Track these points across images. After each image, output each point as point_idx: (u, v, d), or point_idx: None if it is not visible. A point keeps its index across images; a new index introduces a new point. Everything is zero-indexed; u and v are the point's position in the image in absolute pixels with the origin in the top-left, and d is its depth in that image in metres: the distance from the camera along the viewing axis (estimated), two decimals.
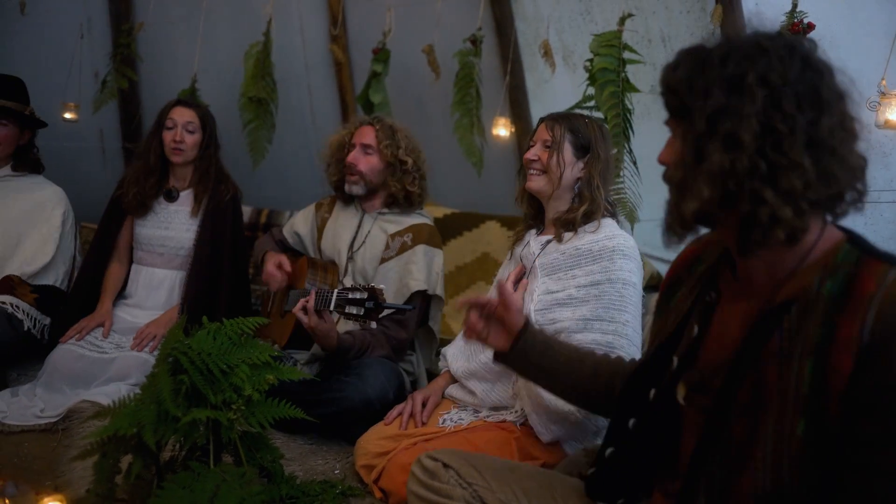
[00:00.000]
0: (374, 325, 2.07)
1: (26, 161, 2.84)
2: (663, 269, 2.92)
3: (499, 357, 1.50)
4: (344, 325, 2.41)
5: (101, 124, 4.13)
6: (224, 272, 2.75)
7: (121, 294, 2.83)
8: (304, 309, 2.15)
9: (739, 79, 0.98)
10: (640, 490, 1.25)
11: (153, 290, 2.81)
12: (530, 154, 2.03)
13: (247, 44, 3.75)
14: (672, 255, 3.26)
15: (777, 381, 0.98)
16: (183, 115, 2.77)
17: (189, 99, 2.88)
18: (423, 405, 2.05)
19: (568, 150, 1.99)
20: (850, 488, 0.91)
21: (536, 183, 2.02)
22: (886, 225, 2.47)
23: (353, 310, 2.04)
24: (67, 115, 3.64)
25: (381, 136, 2.56)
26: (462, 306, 1.50)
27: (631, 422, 1.24)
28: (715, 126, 0.99)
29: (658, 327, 1.33)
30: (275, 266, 2.55)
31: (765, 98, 0.96)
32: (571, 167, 1.99)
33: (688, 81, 1.02)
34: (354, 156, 2.57)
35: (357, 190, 2.58)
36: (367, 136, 2.58)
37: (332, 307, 2.10)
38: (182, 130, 2.74)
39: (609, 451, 1.27)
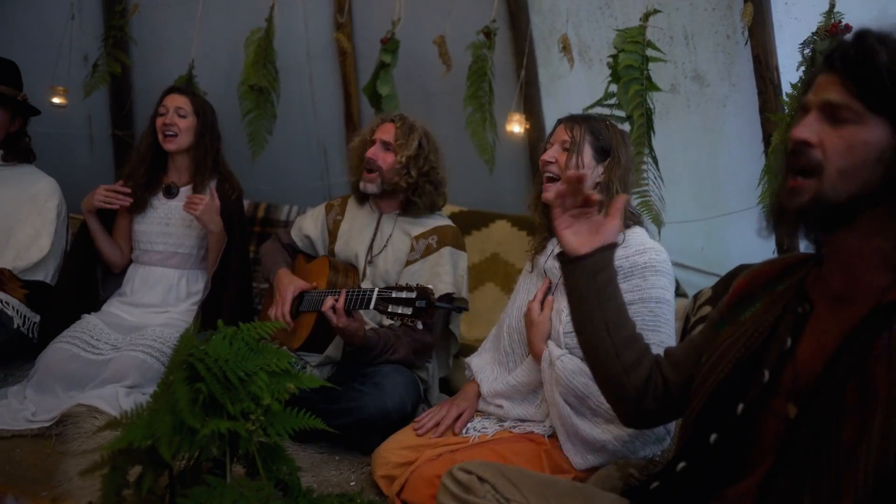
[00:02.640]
0: (420, 325, 2.04)
1: (17, 150, 2.78)
2: (678, 274, 2.89)
3: (565, 258, 1.42)
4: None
5: (90, 110, 4.06)
6: (231, 272, 2.72)
7: (117, 292, 2.78)
8: (333, 308, 2.13)
9: None
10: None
11: (151, 288, 2.77)
12: (547, 156, 1.99)
13: (247, 29, 3.68)
14: (686, 259, 3.24)
15: (885, 378, 0.97)
16: (174, 101, 2.77)
17: (184, 86, 2.86)
18: (458, 418, 2.02)
19: (588, 153, 1.96)
20: None
21: (553, 194, 1.97)
22: None
23: (400, 309, 2.01)
24: (56, 100, 3.56)
25: (399, 133, 2.54)
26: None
27: (713, 437, 1.21)
28: None
29: (723, 339, 1.29)
30: (280, 315, 2.40)
31: None
32: (591, 171, 1.95)
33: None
34: (374, 151, 2.55)
35: (371, 188, 2.55)
36: (388, 132, 2.56)
37: (371, 306, 2.07)
38: (173, 114, 2.73)
39: (681, 465, 1.25)
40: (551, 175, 1.99)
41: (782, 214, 1.09)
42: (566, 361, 1.83)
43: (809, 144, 1.05)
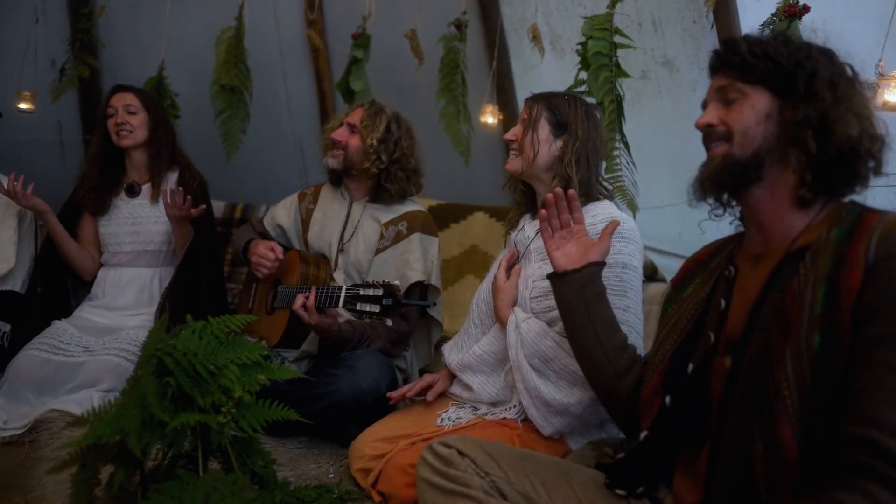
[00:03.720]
0: (389, 322, 2.07)
1: None
2: (657, 260, 2.93)
3: (556, 276, 1.62)
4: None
5: (60, 115, 4.01)
6: (203, 266, 2.71)
7: (88, 296, 2.76)
8: (304, 306, 2.16)
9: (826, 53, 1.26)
10: (663, 477, 1.33)
11: (122, 290, 2.76)
12: (509, 134, 2.07)
13: (217, 28, 3.67)
14: (664, 244, 3.27)
15: (797, 316, 1.11)
16: (122, 99, 2.76)
17: (126, 84, 2.86)
18: (429, 387, 2.07)
19: (544, 128, 2.00)
20: (863, 386, 1.02)
21: (512, 164, 2.05)
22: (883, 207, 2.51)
23: (367, 307, 2.03)
24: (23, 106, 3.53)
25: (365, 116, 2.57)
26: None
27: (667, 399, 1.32)
28: (836, 78, 1.22)
29: (670, 316, 1.44)
30: (267, 248, 2.51)
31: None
32: (549, 146, 2.00)
33: (780, 49, 1.25)
34: (339, 131, 2.59)
35: (333, 163, 2.60)
36: (356, 116, 2.61)
37: (340, 305, 2.10)
38: (123, 112, 2.73)
39: (643, 434, 1.35)
40: (514, 153, 2.06)
41: (702, 181, 1.30)
42: (531, 324, 1.87)
43: (713, 125, 1.29)
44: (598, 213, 1.96)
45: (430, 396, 2.06)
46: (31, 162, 3.82)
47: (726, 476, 1.16)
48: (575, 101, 2.05)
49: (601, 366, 1.53)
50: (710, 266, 1.43)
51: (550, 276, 1.62)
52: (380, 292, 2.03)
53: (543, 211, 1.68)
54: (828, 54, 1.25)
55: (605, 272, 1.82)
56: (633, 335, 1.84)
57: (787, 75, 1.23)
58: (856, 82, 1.24)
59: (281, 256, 2.50)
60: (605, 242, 1.63)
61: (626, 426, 1.57)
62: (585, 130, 1.99)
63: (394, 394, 2.11)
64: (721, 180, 1.27)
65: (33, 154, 3.94)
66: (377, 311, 2.03)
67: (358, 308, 2.05)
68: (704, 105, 1.35)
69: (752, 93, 1.26)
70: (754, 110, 1.25)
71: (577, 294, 1.57)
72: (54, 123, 4.07)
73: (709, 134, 1.30)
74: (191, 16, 3.82)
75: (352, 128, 2.59)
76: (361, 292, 2.05)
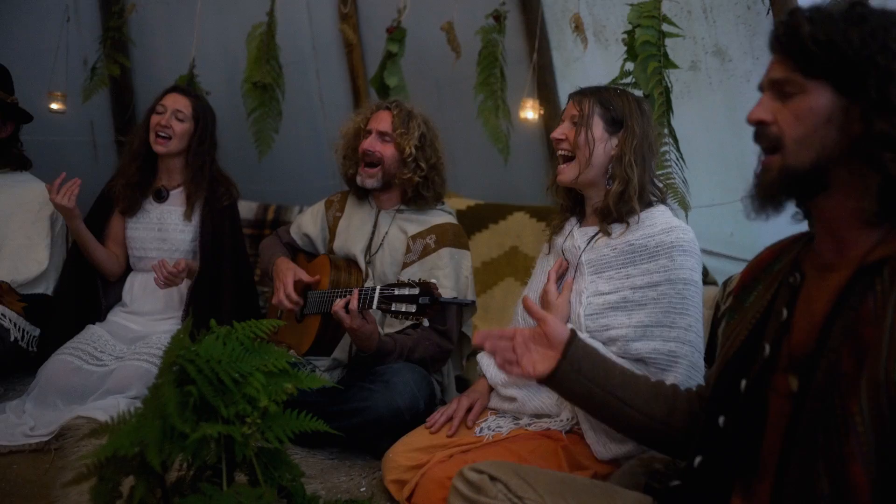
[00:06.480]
0: (426, 322, 2.00)
1: (9, 157, 2.78)
2: (707, 261, 2.82)
3: (548, 379, 1.45)
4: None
5: (92, 116, 4.06)
6: (225, 278, 2.69)
7: (118, 301, 2.78)
8: (347, 309, 2.08)
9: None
10: (719, 501, 1.23)
11: (150, 296, 2.75)
12: (557, 133, 1.96)
13: (249, 25, 3.69)
14: (715, 245, 3.16)
15: (874, 339, 1.01)
16: (176, 102, 2.71)
17: (187, 87, 2.81)
18: (470, 410, 1.97)
19: (598, 125, 1.91)
20: None
21: (566, 175, 1.94)
22: None
23: (403, 307, 1.97)
24: (54, 106, 3.56)
25: (398, 122, 2.46)
26: (479, 343, 1.49)
27: (721, 419, 1.22)
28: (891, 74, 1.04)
29: (732, 328, 1.33)
30: (284, 296, 2.39)
31: None
32: (603, 144, 1.90)
33: (852, 36, 1.07)
34: (371, 142, 2.47)
35: (371, 183, 2.49)
36: (384, 121, 2.49)
37: (374, 306, 2.03)
38: (171, 116, 2.68)
39: (698, 459, 1.24)
40: (564, 153, 1.95)
41: (759, 195, 1.17)
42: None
43: (765, 123, 1.15)
44: (655, 221, 1.86)
45: (470, 421, 1.95)
46: (64, 164, 3.83)
47: None
48: (627, 95, 1.96)
49: (645, 425, 1.43)
50: (774, 270, 1.30)
51: (546, 382, 1.47)
52: (416, 291, 1.96)
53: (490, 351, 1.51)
54: None
55: (666, 288, 1.76)
56: (696, 355, 1.77)
57: (857, 71, 1.06)
58: None
59: (300, 301, 2.42)
60: (549, 317, 1.48)
61: (682, 453, 1.47)
62: (641, 126, 1.91)
63: (433, 427, 1.98)
64: (777, 195, 1.15)
65: (66, 156, 3.98)
66: (413, 310, 1.96)
67: (393, 308, 1.98)
68: (761, 88, 1.21)
69: (812, 89, 1.10)
70: (813, 112, 1.09)
71: (580, 378, 1.44)
72: (86, 124, 4.12)
73: (759, 133, 1.17)
74: (222, 12, 3.85)
75: (383, 136, 2.48)
76: (396, 292, 1.99)
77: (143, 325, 2.68)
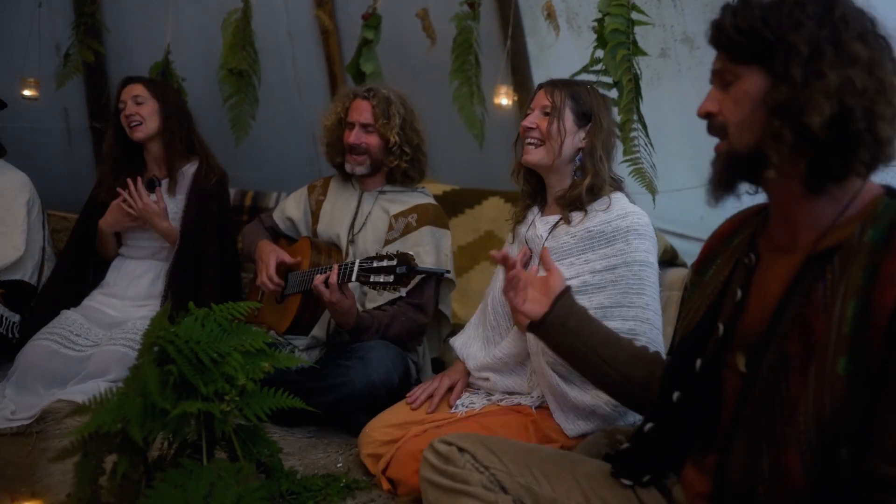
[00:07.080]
0: (404, 292, 2.05)
1: None
2: (678, 244, 2.91)
3: (534, 326, 1.53)
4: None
5: (66, 102, 4.06)
6: (208, 260, 2.73)
7: (100, 283, 2.80)
8: (326, 283, 2.15)
9: (828, 12, 1.09)
10: (670, 466, 1.31)
11: (134, 281, 2.79)
12: (528, 121, 2.03)
13: (224, 11, 3.66)
14: (686, 228, 3.24)
15: (823, 328, 1.05)
16: (130, 91, 2.78)
17: (134, 76, 2.87)
18: (450, 390, 2.05)
19: (569, 118, 1.99)
20: (891, 420, 0.97)
21: (534, 155, 2.01)
22: None
23: (381, 277, 2.04)
24: (27, 93, 3.57)
25: (378, 112, 2.54)
26: (499, 258, 1.55)
27: (675, 395, 1.28)
28: (820, 50, 1.07)
29: (693, 302, 1.38)
30: (266, 278, 2.48)
31: (855, 29, 1.08)
32: (572, 136, 1.99)
33: (769, 18, 1.11)
34: (356, 136, 2.56)
35: (361, 170, 2.58)
36: (365, 112, 2.56)
37: (354, 278, 2.10)
38: (132, 104, 2.74)
39: (648, 426, 1.31)
40: (532, 141, 2.02)
41: (714, 182, 1.22)
42: None
43: (713, 114, 1.20)
44: (613, 208, 1.95)
45: (452, 401, 2.03)
46: (39, 150, 3.87)
47: (733, 486, 1.13)
48: (594, 90, 2.06)
49: (622, 385, 1.48)
50: (732, 244, 1.34)
51: (531, 329, 1.55)
52: (393, 262, 2.04)
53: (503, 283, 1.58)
54: (830, 11, 1.09)
55: (623, 270, 1.85)
56: (654, 332, 1.85)
57: (773, 50, 1.10)
58: (871, 45, 1.08)
59: (282, 283, 2.50)
60: (555, 268, 1.55)
61: None
62: (607, 120, 2.01)
63: (415, 403, 2.06)
64: (729, 179, 1.19)
65: (40, 142, 3.99)
66: (391, 280, 2.03)
67: (371, 279, 2.06)
68: (711, 82, 1.25)
69: (745, 74, 1.14)
70: (748, 95, 1.14)
71: (564, 331, 1.50)
72: (60, 111, 4.11)
73: (710, 124, 1.21)
74: None
75: (365, 127, 2.56)
76: (375, 264, 2.07)
77: (121, 311, 2.71)
